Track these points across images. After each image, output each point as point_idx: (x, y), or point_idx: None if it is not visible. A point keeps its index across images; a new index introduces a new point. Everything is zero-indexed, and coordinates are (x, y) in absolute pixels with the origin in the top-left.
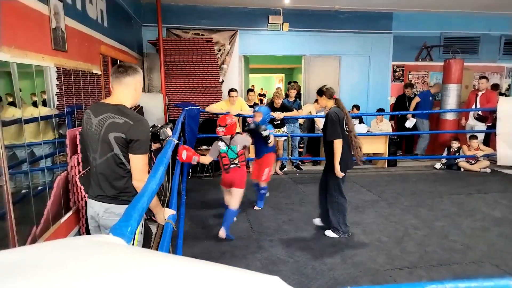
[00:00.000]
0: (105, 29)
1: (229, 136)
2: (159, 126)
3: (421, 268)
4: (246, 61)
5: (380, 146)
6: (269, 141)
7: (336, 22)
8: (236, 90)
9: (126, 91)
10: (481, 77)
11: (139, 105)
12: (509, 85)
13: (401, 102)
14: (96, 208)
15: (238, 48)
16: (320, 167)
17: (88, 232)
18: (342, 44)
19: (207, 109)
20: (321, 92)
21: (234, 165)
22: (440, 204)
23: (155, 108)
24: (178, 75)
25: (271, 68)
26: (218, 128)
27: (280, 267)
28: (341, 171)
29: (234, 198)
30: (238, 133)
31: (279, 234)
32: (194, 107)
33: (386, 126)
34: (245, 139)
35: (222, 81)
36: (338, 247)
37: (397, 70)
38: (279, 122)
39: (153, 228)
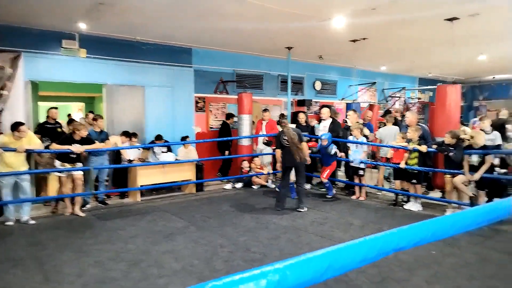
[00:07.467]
0: None
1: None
2: None
3: None
4: (35, 87)
5: (188, 173)
6: (338, 155)
7: (138, 52)
8: (24, 124)
9: None
10: (264, 110)
11: None
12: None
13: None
14: None
15: (23, 73)
16: (129, 200)
17: None
18: (146, 75)
19: None
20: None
21: None
22: (242, 221)
23: None
24: None
25: (68, 96)
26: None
27: None
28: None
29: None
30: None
31: (84, 280)
32: None
33: (193, 153)
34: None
35: (2, 110)
36: (150, 280)
37: (199, 101)
38: (75, 156)
39: None
